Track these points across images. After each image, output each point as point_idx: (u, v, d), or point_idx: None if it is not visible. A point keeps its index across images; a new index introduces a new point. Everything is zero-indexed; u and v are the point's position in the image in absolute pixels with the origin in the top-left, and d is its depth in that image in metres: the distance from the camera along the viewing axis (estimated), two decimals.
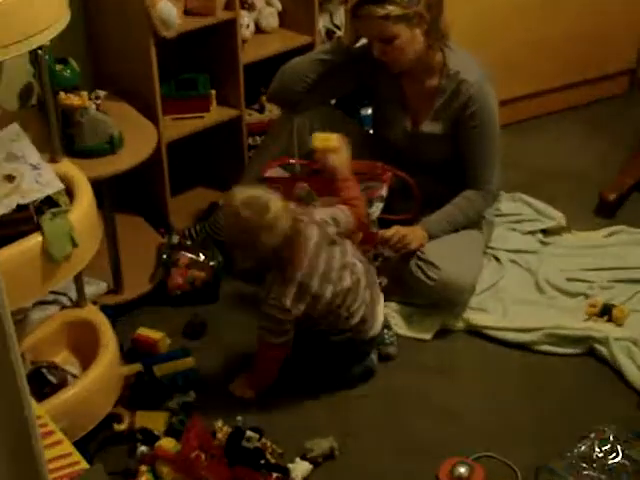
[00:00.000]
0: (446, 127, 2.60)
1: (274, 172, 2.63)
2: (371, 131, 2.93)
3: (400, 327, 2.54)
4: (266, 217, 2.12)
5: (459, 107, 2.55)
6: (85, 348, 2.22)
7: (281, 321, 2.21)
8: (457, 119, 2.57)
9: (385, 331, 2.42)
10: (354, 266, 2.30)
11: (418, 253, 2.55)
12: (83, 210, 1.97)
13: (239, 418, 2.18)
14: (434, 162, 2.68)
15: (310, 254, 2.21)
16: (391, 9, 2.43)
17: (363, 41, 2.64)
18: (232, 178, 2.71)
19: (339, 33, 2.99)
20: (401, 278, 2.60)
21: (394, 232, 2.53)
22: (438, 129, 2.61)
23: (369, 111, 3.06)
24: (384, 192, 2.59)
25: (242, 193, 2.19)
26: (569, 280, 2.68)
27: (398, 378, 2.38)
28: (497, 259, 2.78)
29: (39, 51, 1.94)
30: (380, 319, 2.36)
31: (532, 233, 2.88)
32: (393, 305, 2.60)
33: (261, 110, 3.08)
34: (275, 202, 2.16)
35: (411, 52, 2.51)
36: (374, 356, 2.38)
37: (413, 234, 2.54)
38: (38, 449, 1.05)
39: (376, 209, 2.60)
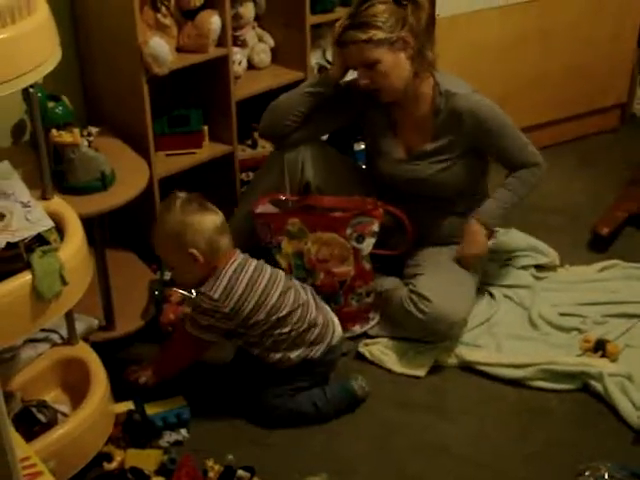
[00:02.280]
0: (450, 144, 2.60)
1: (265, 208, 2.63)
2: (364, 166, 2.93)
3: (393, 364, 2.52)
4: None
5: (460, 121, 2.55)
6: (76, 386, 2.20)
7: (207, 312, 2.24)
8: (466, 135, 2.57)
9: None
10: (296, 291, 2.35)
11: (410, 286, 2.56)
12: (73, 248, 1.95)
13: (230, 457, 2.15)
14: (434, 190, 2.67)
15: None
16: (373, 33, 2.45)
17: (352, 75, 2.65)
18: (224, 213, 2.69)
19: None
20: (393, 313, 2.60)
21: (460, 257, 2.61)
22: (441, 146, 2.61)
23: (362, 146, 3.07)
24: (375, 227, 2.59)
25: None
26: (562, 315, 2.67)
27: (391, 414, 2.37)
28: (491, 294, 2.78)
29: (30, 89, 1.94)
30: (331, 341, 2.36)
31: (525, 268, 2.88)
32: (386, 342, 2.59)
33: (254, 146, 3.08)
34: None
35: (396, 78, 2.52)
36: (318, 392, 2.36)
37: (473, 233, 2.58)
38: None
39: (368, 245, 2.60)
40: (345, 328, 2.60)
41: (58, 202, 2.10)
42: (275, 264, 2.50)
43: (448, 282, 2.55)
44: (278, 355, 2.31)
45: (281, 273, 2.37)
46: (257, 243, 2.61)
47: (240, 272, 2.27)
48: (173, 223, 2.25)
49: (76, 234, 2.00)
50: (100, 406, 2.12)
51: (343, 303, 2.62)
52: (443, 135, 2.60)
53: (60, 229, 1.99)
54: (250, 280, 2.27)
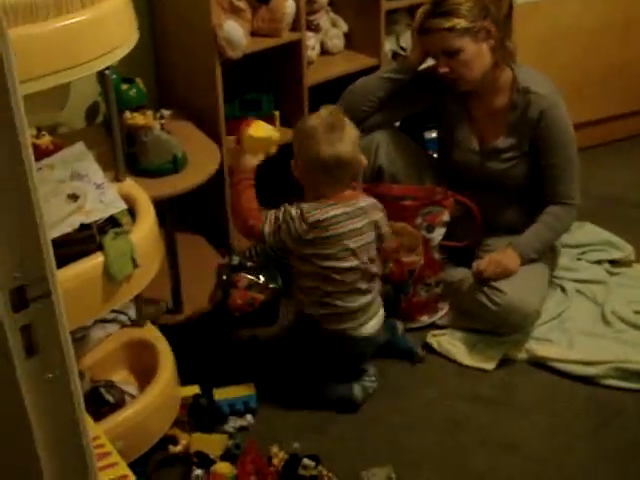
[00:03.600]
0: (521, 142, 2.56)
1: None
2: (435, 155, 2.90)
3: (462, 356, 2.50)
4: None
5: (533, 121, 2.50)
6: (143, 368, 2.21)
7: (285, 216, 2.21)
8: (532, 134, 2.53)
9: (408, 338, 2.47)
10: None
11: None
12: (145, 231, 1.96)
13: (296, 445, 2.15)
14: (503, 182, 2.63)
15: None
16: (457, 21, 2.42)
17: (429, 62, 2.63)
18: (295, 199, 2.70)
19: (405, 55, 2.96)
20: (463, 304, 2.58)
21: (488, 261, 2.51)
22: (513, 143, 2.57)
23: (433, 134, 3.04)
24: (446, 217, 2.58)
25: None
26: (637, 313, 2.61)
27: (458, 408, 2.34)
28: (563, 289, 2.72)
29: (106, 71, 1.94)
30: (371, 327, 2.32)
31: (599, 263, 2.82)
32: (456, 333, 2.57)
33: None
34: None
35: (477, 68, 2.49)
36: (357, 387, 2.33)
37: (507, 258, 2.51)
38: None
39: (438, 235, 2.59)
40: (413, 318, 2.61)
41: (130, 184, 2.11)
42: None
43: (521, 274, 2.50)
44: (311, 308, 2.28)
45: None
46: None
47: (341, 216, 2.22)
48: (309, 134, 2.23)
49: (148, 217, 2.01)
50: (167, 389, 2.13)
51: (412, 293, 2.60)
52: (516, 131, 2.56)
53: (132, 211, 2.00)
54: (343, 229, 2.22)
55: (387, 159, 2.65)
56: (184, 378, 2.27)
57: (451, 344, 2.52)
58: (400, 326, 2.51)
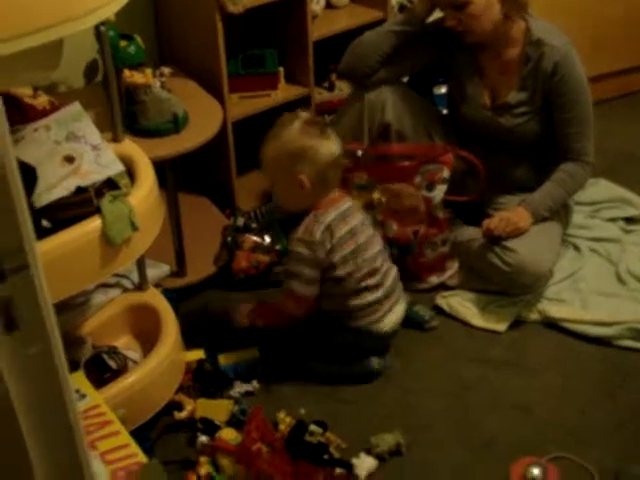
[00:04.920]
0: (534, 96, 2.49)
1: None
2: (445, 111, 2.83)
3: (473, 317, 2.45)
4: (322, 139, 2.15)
5: (546, 75, 2.43)
6: (146, 333, 2.19)
7: (308, 261, 2.13)
8: (546, 88, 2.46)
9: (417, 308, 2.42)
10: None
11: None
12: (144, 193, 1.91)
13: (302, 411, 2.12)
14: (515, 139, 2.57)
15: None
16: None
17: (436, 15, 2.56)
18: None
19: None
20: (474, 264, 2.53)
21: (499, 219, 2.45)
22: (525, 97, 2.50)
23: (442, 90, 2.97)
24: (445, 174, 2.52)
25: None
26: None
27: (469, 371, 2.29)
28: (576, 247, 2.66)
29: (101, 27, 1.88)
30: (394, 319, 2.27)
31: (613, 220, 2.75)
32: (466, 294, 2.52)
33: (330, 88, 3.01)
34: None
35: (486, 20, 2.41)
36: (378, 360, 2.28)
37: (518, 216, 2.45)
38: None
39: (439, 192, 2.54)
40: (421, 279, 2.57)
41: (129, 145, 2.06)
42: None
43: (532, 232, 2.45)
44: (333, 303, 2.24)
45: (377, 236, 2.29)
46: None
47: (341, 221, 2.18)
48: (289, 143, 2.13)
49: (147, 178, 1.96)
50: (171, 354, 2.10)
51: (418, 253, 2.56)
52: (528, 85, 2.49)
53: (131, 173, 1.96)
54: (349, 232, 2.19)
55: (394, 116, 2.59)
56: (188, 343, 2.24)
57: (461, 305, 2.48)
58: (408, 298, 2.42)
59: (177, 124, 2.35)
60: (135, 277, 2.26)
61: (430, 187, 2.51)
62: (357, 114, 2.60)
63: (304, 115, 2.20)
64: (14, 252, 0.79)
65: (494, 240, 2.44)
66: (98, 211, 1.81)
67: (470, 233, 2.58)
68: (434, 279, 2.58)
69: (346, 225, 2.18)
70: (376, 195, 2.53)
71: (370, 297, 2.21)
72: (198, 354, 2.24)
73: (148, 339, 2.17)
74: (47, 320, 0.86)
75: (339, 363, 2.26)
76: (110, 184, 1.85)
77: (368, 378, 2.25)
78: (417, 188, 2.51)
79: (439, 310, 2.49)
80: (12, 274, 0.81)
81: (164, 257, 2.46)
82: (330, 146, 2.15)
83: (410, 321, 2.40)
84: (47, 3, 1.56)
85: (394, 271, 2.30)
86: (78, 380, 1.84)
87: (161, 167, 2.15)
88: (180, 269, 2.52)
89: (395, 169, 2.50)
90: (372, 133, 2.59)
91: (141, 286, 2.25)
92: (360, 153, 2.56)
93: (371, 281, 2.21)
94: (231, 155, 2.69)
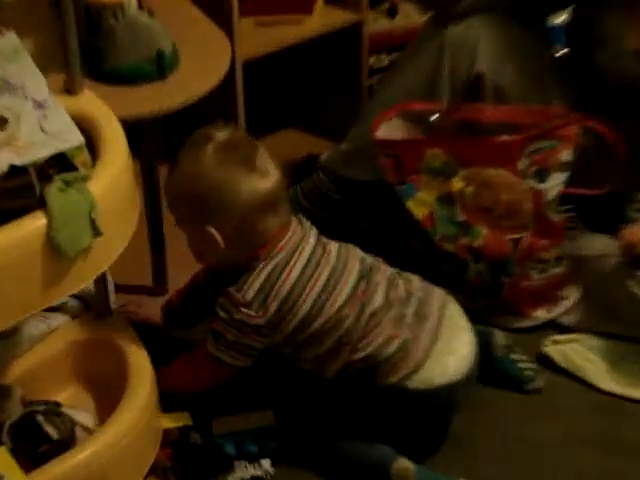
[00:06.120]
0: None
1: (391, 129, 2.57)
2: (563, 51, 2.82)
3: (600, 376, 2.44)
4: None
5: None
6: (104, 383, 2.21)
7: (233, 321, 2.16)
8: None
9: (514, 358, 2.43)
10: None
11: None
12: (112, 176, 1.90)
13: None
14: None
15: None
16: None
17: None
18: (340, 119, 2.70)
19: None
20: (603, 293, 2.56)
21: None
22: None
23: (561, 19, 2.91)
24: (566, 156, 2.53)
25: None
26: None
27: (590, 461, 2.26)
28: None
29: None
30: (450, 364, 2.23)
31: None
32: (590, 340, 2.52)
33: (392, 14, 3.07)
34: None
35: None
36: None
37: None
38: None
39: (555, 183, 2.55)
40: (522, 313, 2.59)
41: (90, 99, 2.07)
42: (407, 217, 2.53)
43: None
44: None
45: (357, 256, 2.29)
46: (379, 185, 2.60)
47: (286, 265, 2.18)
48: (195, 176, 2.14)
49: (117, 153, 1.96)
50: (141, 418, 2.08)
51: (519, 274, 2.56)
52: None
53: (92, 143, 1.95)
54: (302, 276, 2.18)
55: (490, 63, 2.61)
56: (167, 400, 2.23)
57: (582, 357, 2.47)
58: (499, 337, 2.44)
59: (162, 65, 2.36)
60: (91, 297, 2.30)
61: (541, 175, 2.51)
62: (433, 58, 2.62)
63: (222, 133, 2.19)
64: None
65: (636, 260, 2.44)
66: (42, 205, 1.79)
67: (599, 247, 2.61)
68: (542, 314, 2.59)
69: (299, 258, 2.19)
70: (457, 184, 2.52)
71: (380, 338, 2.21)
72: (182, 418, 2.25)
73: (107, 392, 2.18)
74: None
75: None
76: (61, 163, 1.84)
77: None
78: (521, 176, 2.50)
79: (547, 362, 2.48)
80: None
81: (136, 267, 2.50)
82: (256, 183, 2.13)
83: (500, 376, 2.41)
84: None
85: (417, 283, 2.30)
86: None
87: (137, 132, 2.21)
88: (158, 285, 2.59)
89: (488, 146, 2.49)
90: (455, 88, 2.61)
91: (99, 311, 2.26)
92: (435, 118, 2.59)
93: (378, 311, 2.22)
94: (240, 113, 2.73)
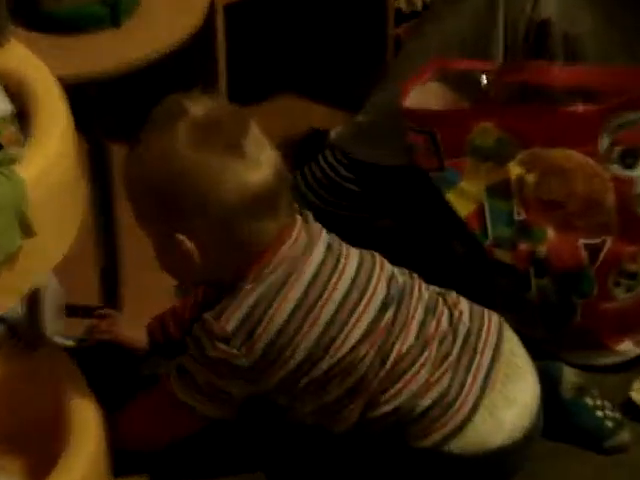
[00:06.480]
0: None
1: (426, 94, 2.59)
2: None
3: None
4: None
5: None
6: (34, 437, 2.25)
7: (207, 359, 2.15)
8: None
9: (591, 404, 2.43)
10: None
11: None
12: (49, 157, 1.92)
13: None
14: None
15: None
16: None
17: None
18: (357, 81, 2.73)
19: None
20: None
21: None
22: None
23: None
24: None
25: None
26: None
27: None
28: None
29: None
30: (508, 419, 2.23)
31: None
32: None
33: None
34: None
35: None
36: None
37: None
38: None
39: None
40: (603, 344, 2.62)
41: (20, 54, 2.10)
42: (444, 211, 2.58)
43: None
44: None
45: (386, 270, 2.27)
46: (408, 171, 2.63)
47: (283, 287, 2.16)
48: (161, 164, 2.10)
49: (56, 127, 1.97)
50: None
51: (597, 293, 2.59)
52: None
53: (22, 112, 1.97)
54: (303, 300, 2.17)
55: (559, 7, 2.63)
56: (122, 460, 2.24)
57: None
58: (570, 375, 2.44)
59: (116, 9, 2.38)
60: (17, 318, 2.31)
61: (629, 158, 2.53)
62: (483, 2, 2.63)
63: (197, 108, 2.13)
64: None
65: None
66: None
67: None
68: (629, 347, 2.64)
69: (301, 276, 2.17)
70: (516, 169, 2.55)
71: (412, 386, 2.21)
72: None
73: (37, 450, 2.23)
74: None
75: None
76: None
77: None
78: (602, 160, 2.51)
79: (635, 411, 2.50)
80: None
81: (80, 282, 2.51)
82: (244, 173, 2.10)
83: (571, 428, 2.43)
84: None
85: (464, 307, 2.31)
86: None
87: (84, 99, 2.22)
88: (109, 298, 2.62)
89: (557, 119, 2.52)
90: (512, 41, 2.64)
91: (31, 339, 2.28)
92: (487, 81, 2.60)
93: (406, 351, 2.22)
94: (221, 73, 2.75)
